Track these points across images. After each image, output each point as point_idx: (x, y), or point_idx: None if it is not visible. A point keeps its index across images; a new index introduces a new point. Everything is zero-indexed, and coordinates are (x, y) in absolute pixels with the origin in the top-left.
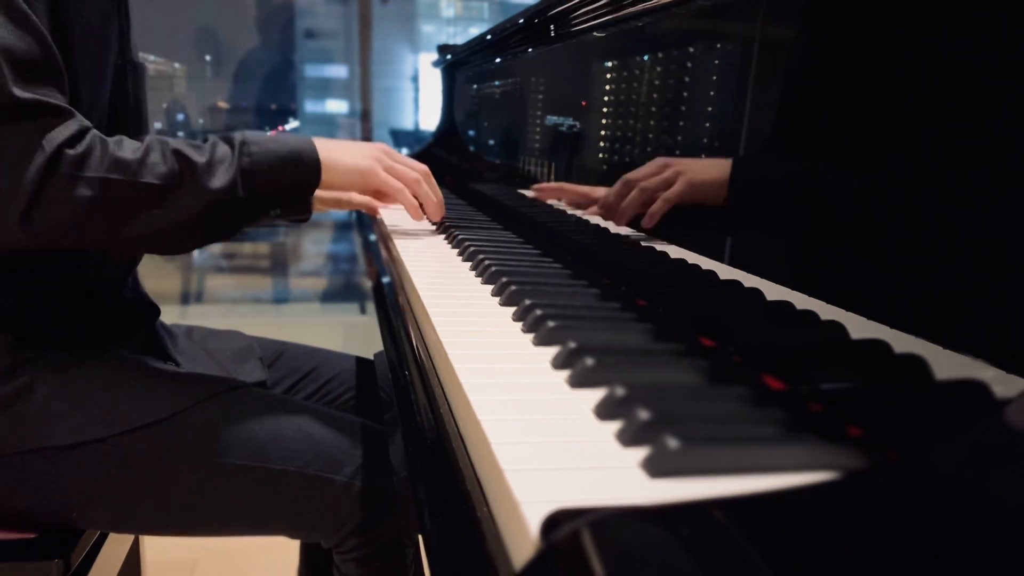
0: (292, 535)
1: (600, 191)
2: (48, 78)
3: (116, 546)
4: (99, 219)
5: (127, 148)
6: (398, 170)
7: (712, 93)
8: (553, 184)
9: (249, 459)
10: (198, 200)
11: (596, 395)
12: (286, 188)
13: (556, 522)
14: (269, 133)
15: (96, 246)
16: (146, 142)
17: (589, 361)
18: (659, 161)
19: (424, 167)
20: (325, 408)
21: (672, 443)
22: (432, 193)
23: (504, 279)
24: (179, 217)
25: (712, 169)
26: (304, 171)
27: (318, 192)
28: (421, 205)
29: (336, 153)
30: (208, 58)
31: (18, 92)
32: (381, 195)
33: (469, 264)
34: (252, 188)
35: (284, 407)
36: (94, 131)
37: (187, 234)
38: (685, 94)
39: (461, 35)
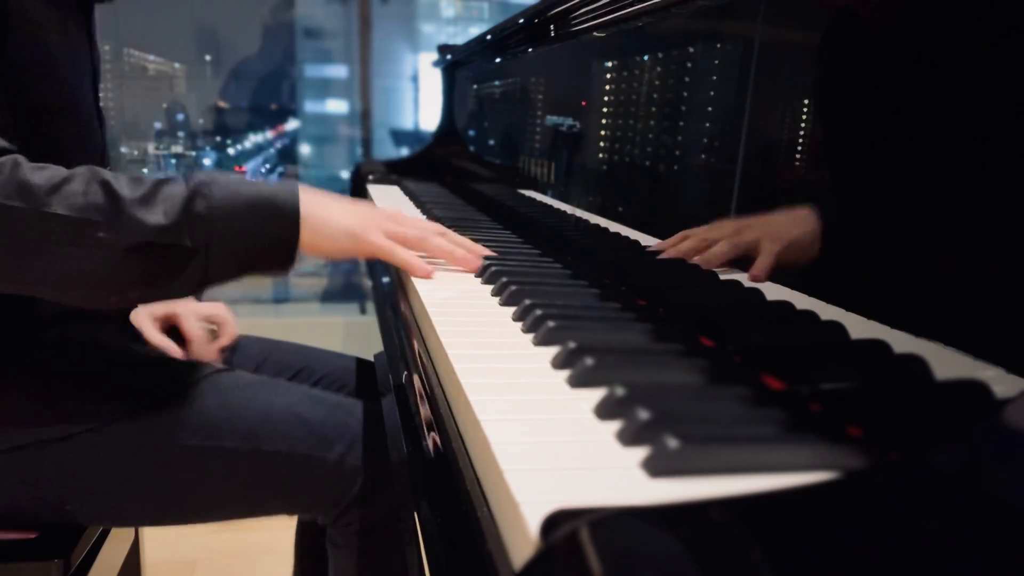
0: (289, 513)
1: (728, 227)
2: None
3: (116, 546)
4: None
5: (44, 175)
6: (401, 233)
7: (712, 93)
8: (676, 236)
9: (240, 442)
10: (121, 241)
11: (596, 395)
12: (252, 243)
13: (556, 522)
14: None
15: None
16: (74, 170)
17: (589, 361)
18: (733, 224)
19: (437, 226)
20: (315, 390)
21: (672, 443)
22: (454, 245)
23: (504, 279)
24: (98, 260)
25: (794, 226)
26: (277, 225)
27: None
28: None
29: (325, 209)
30: (208, 58)
31: None
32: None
33: None
34: (205, 237)
35: (272, 389)
36: (12, 155)
37: (111, 283)
38: (685, 94)
39: (461, 35)
